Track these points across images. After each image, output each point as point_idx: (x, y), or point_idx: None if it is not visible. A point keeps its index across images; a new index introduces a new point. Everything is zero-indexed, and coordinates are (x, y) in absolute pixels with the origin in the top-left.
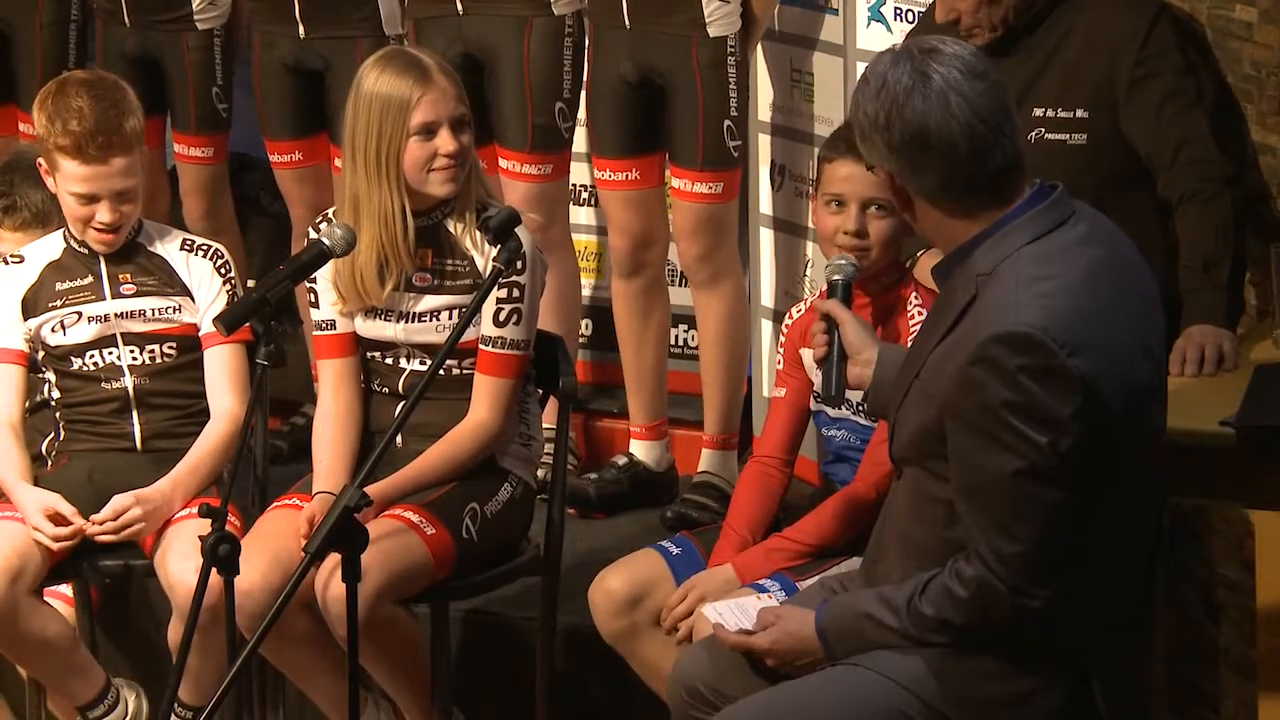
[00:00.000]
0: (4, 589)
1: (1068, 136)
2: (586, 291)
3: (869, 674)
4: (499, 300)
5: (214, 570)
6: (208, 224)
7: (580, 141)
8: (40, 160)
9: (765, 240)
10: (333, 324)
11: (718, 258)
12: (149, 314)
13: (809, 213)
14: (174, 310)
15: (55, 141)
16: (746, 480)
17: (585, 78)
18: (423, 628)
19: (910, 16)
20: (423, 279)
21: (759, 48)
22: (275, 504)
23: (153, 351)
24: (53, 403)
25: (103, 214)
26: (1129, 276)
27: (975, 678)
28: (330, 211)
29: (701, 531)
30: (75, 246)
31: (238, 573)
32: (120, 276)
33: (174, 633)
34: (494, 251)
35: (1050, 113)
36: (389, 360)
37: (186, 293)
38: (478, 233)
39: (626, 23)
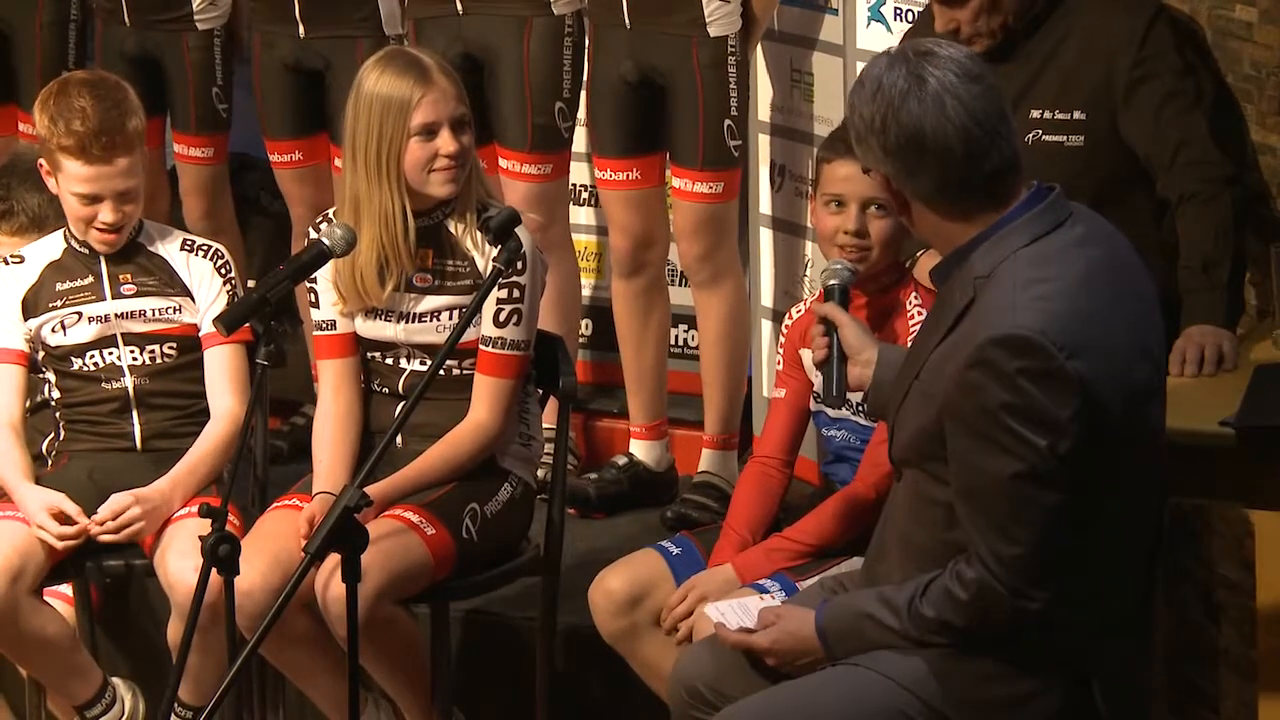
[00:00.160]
0: (4, 588)
1: (1065, 138)
2: (586, 291)
3: (869, 674)
4: (499, 301)
5: (214, 570)
6: (208, 224)
7: (580, 141)
8: (41, 161)
9: (765, 240)
10: (333, 324)
11: (718, 257)
12: (149, 314)
13: (808, 213)
14: (174, 310)
15: (58, 142)
16: (746, 480)
17: (585, 77)
18: (423, 628)
19: (910, 16)
20: (423, 279)
21: (759, 48)
22: (275, 504)
23: (153, 352)
24: (53, 403)
25: (105, 214)
26: (1127, 278)
27: (975, 679)
28: (330, 211)
29: (701, 531)
30: (76, 247)
31: (238, 573)
32: (121, 277)
33: (173, 632)
34: (494, 252)
35: (1048, 115)
36: (389, 360)
37: (187, 293)
38: (478, 233)
39: (627, 22)
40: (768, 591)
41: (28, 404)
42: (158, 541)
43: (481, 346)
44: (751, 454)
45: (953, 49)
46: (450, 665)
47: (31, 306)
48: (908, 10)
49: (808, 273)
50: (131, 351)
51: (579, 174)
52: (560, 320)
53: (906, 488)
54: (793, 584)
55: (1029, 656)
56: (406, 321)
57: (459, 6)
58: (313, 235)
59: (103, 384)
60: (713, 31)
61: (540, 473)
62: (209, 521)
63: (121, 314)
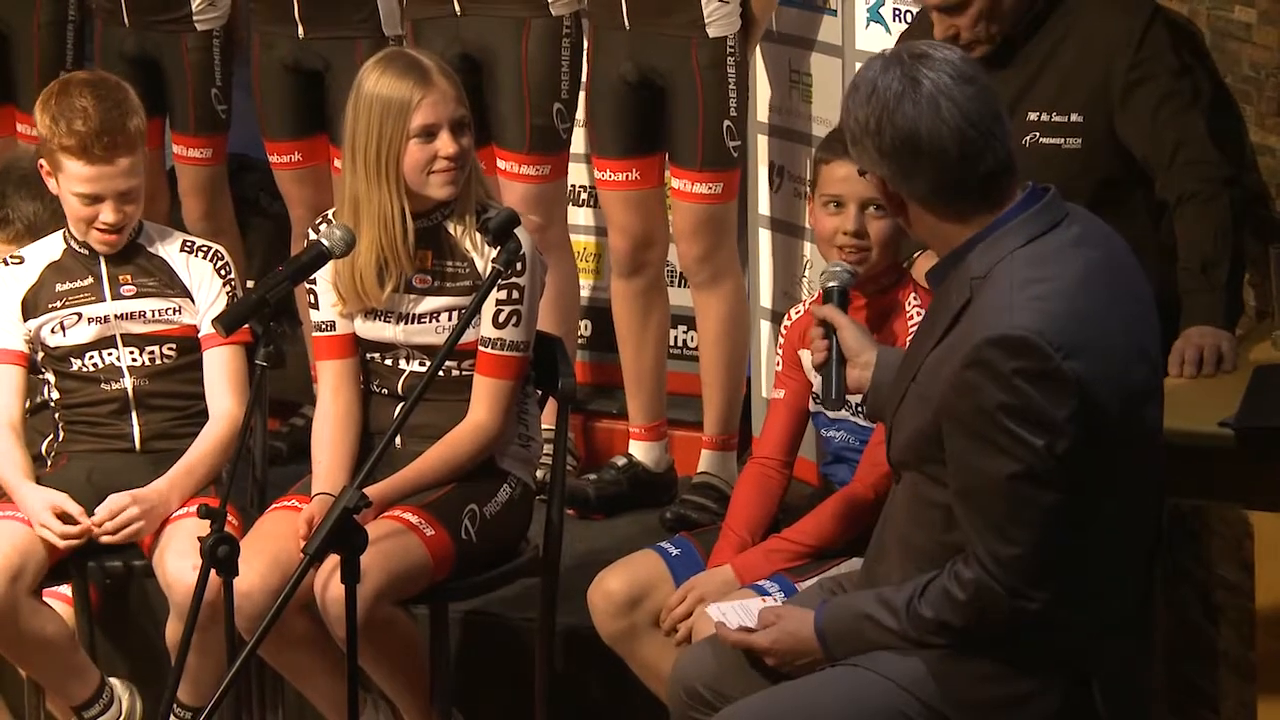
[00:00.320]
0: (4, 588)
1: (1063, 141)
2: (585, 292)
3: (868, 675)
4: (498, 302)
5: (213, 571)
6: (207, 225)
7: (579, 142)
8: (42, 161)
9: (764, 241)
10: (332, 325)
11: (717, 258)
12: (149, 315)
13: (807, 214)
14: (174, 311)
15: (60, 142)
16: (746, 481)
17: (584, 78)
18: (422, 629)
19: (908, 18)
20: (422, 280)
21: (758, 48)
22: (274, 505)
23: (152, 353)
24: (52, 404)
25: (106, 214)
26: (1124, 279)
27: (974, 679)
28: (330, 212)
29: (701, 532)
30: (75, 247)
31: (236, 574)
32: (120, 277)
33: (172, 632)
34: (493, 253)
35: (1045, 117)
36: (388, 361)
37: (186, 294)
38: (477, 234)
39: (626, 23)
40: (768, 593)
41: (27, 405)
42: (156, 542)
43: (481, 347)
44: (750, 455)
45: (947, 51)
46: (449, 666)
47: (31, 307)
48: (906, 11)
49: (806, 274)
50: (131, 352)
51: (578, 175)
52: (559, 321)
53: (905, 489)
54: (792, 585)
55: (1028, 657)
56: (406, 322)
57: (457, 7)
58: (312, 236)
59: (102, 385)
60: (712, 32)
61: (539, 473)
62: (207, 522)
63: (121, 315)
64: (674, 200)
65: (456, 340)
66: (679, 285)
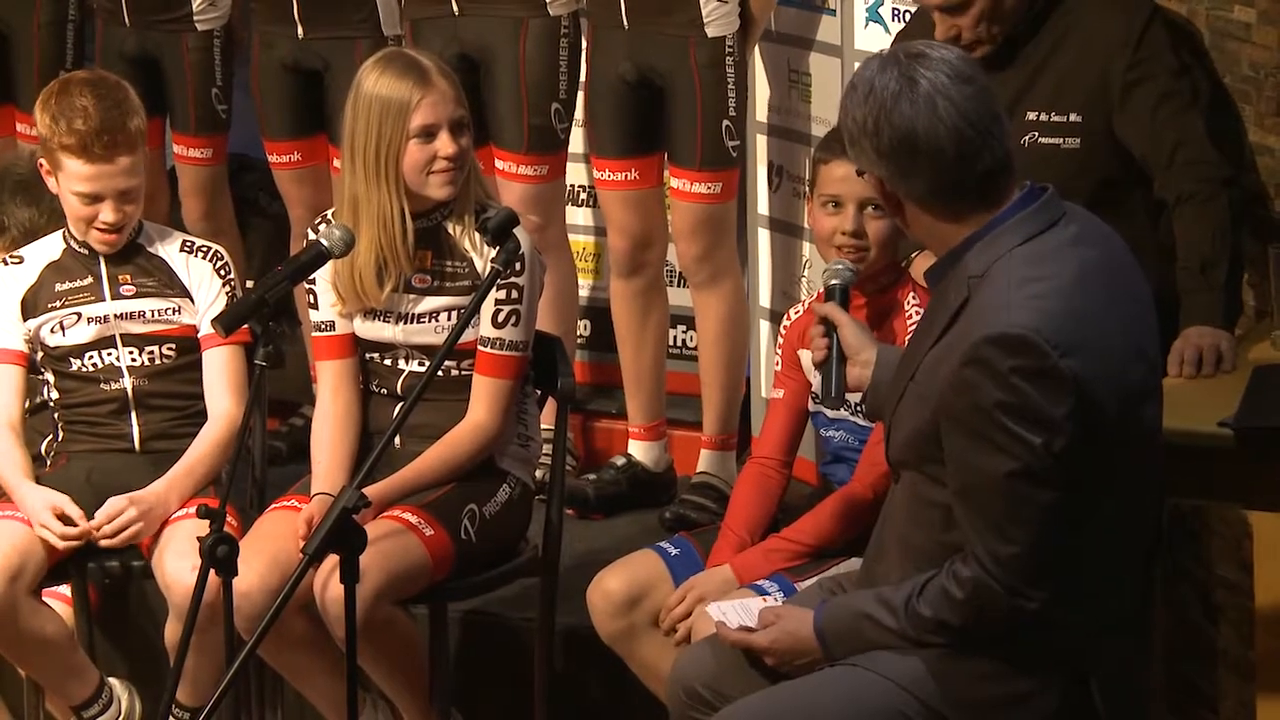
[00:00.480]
0: (4, 587)
1: (1061, 141)
2: (585, 292)
3: (868, 674)
4: (497, 301)
5: (212, 571)
6: (207, 225)
7: (578, 142)
8: (42, 160)
9: (763, 241)
10: (331, 325)
11: (716, 258)
12: (148, 315)
13: (806, 214)
14: (173, 311)
15: (60, 141)
16: (745, 481)
17: (583, 78)
18: (421, 629)
19: (907, 17)
20: (421, 280)
21: (757, 48)
22: (274, 505)
23: (152, 353)
24: (51, 404)
25: (106, 214)
26: (1123, 278)
27: (973, 678)
28: (329, 213)
29: (700, 532)
30: (75, 247)
31: (236, 574)
32: (120, 277)
33: (171, 632)
34: (492, 253)
35: (1044, 117)
36: (387, 361)
37: (186, 294)
38: (476, 234)
39: (625, 23)
40: (767, 593)
41: (26, 405)
42: (155, 542)
43: (480, 347)
44: (750, 454)
45: (944, 50)
46: (449, 666)
47: (31, 307)
48: (905, 11)
49: (805, 273)
50: (130, 352)
51: (577, 174)
52: (558, 321)
53: (904, 489)
54: (791, 585)
55: (1026, 656)
56: (405, 322)
57: (455, 7)
58: (311, 236)
59: (101, 385)
60: (710, 32)
61: (538, 473)
62: (207, 522)
63: (121, 315)
64: (673, 200)
65: (456, 340)
66: (678, 285)
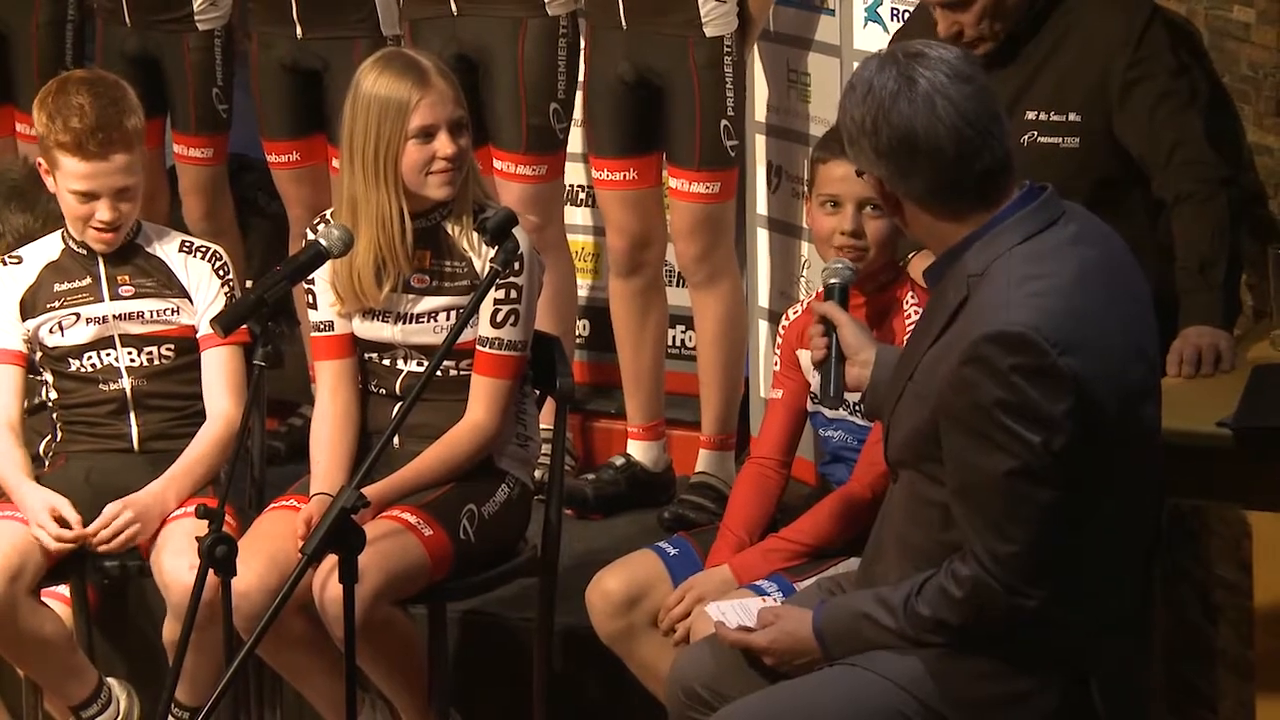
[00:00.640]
0: (3, 587)
1: (1060, 140)
2: (584, 292)
3: (866, 674)
4: (496, 301)
5: (210, 571)
6: (207, 225)
7: (577, 142)
8: (39, 160)
9: (762, 241)
10: (330, 325)
11: (715, 258)
12: (147, 315)
13: (805, 214)
14: (172, 312)
15: (56, 139)
16: (744, 481)
17: (582, 78)
18: (420, 629)
19: (906, 17)
20: (420, 280)
21: (755, 48)
22: (272, 505)
23: (150, 353)
24: (50, 404)
25: (103, 212)
26: (1122, 278)
27: (972, 678)
28: (328, 212)
29: (699, 532)
30: (74, 248)
31: (235, 574)
32: (119, 278)
33: (169, 631)
34: (491, 253)
35: (1043, 116)
36: (386, 361)
37: (185, 294)
38: (475, 234)
39: (623, 23)
40: (766, 593)
41: (25, 405)
42: (153, 542)
43: (479, 347)
44: (749, 455)
45: (943, 50)
46: (447, 666)
47: (29, 307)
48: (904, 11)
49: (804, 273)
50: (129, 353)
51: (576, 174)
52: (557, 321)
53: (902, 488)
54: (790, 584)
55: (1025, 655)
56: (404, 322)
57: (454, 7)
58: (310, 236)
59: (100, 385)
60: (709, 32)
61: (537, 473)
62: (204, 521)
63: (119, 315)
64: (672, 200)
65: (454, 340)
66: (677, 285)
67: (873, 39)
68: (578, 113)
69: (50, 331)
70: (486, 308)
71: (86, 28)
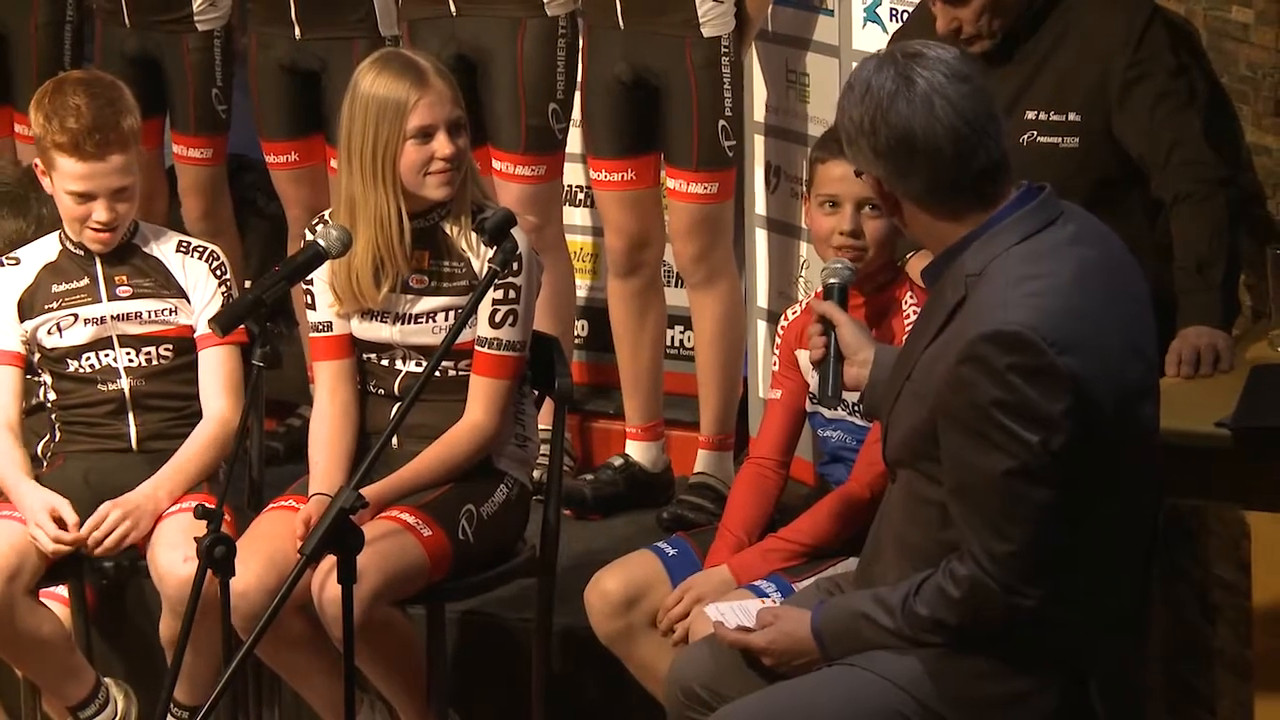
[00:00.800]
0: (1, 587)
1: (1060, 140)
2: (582, 292)
3: (865, 674)
4: (495, 302)
5: (209, 571)
6: (206, 225)
7: (575, 142)
8: (36, 161)
9: (760, 241)
10: (329, 325)
11: (713, 258)
12: (145, 316)
13: (803, 214)
14: (170, 312)
15: (52, 139)
16: (742, 481)
17: (580, 78)
18: (418, 629)
19: (905, 17)
20: (419, 281)
21: (754, 48)
22: (271, 505)
23: (149, 353)
24: (49, 404)
25: (99, 212)
26: (1121, 278)
27: (970, 677)
28: (326, 213)
29: (697, 532)
30: (71, 249)
31: (233, 574)
32: (116, 278)
33: (165, 628)
34: (490, 253)
35: (1043, 116)
36: (385, 362)
37: (182, 294)
38: (473, 234)
39: (620, 23)
40: (765, 594)
41: (23, 405)
42: (149, 539)
43: (477, 347)
44: (747, 455)
45: (941, 50)
46: (446, 666)
47: (27, 308)
48: (903, 11)
49: (803, 274)
50: (127, 353)
51: (574, 175)
52: (555, 321)
53: (901, 488)
54: (789, 585)
55: (1024, 655)
56: (402, 323)
57: (453, 8)
58: (308, 237)
59: (99, 385)
60: (706, 32)
61: (536, 474)
62: (199, 518)
63: (117, 316)
64: (670, 200)
65: (453, 340)
66: (676, 285)
67: (872, 39)
68: (576, 113)
69: (48, 332)
70: (485, 308)
71: (85, 28)
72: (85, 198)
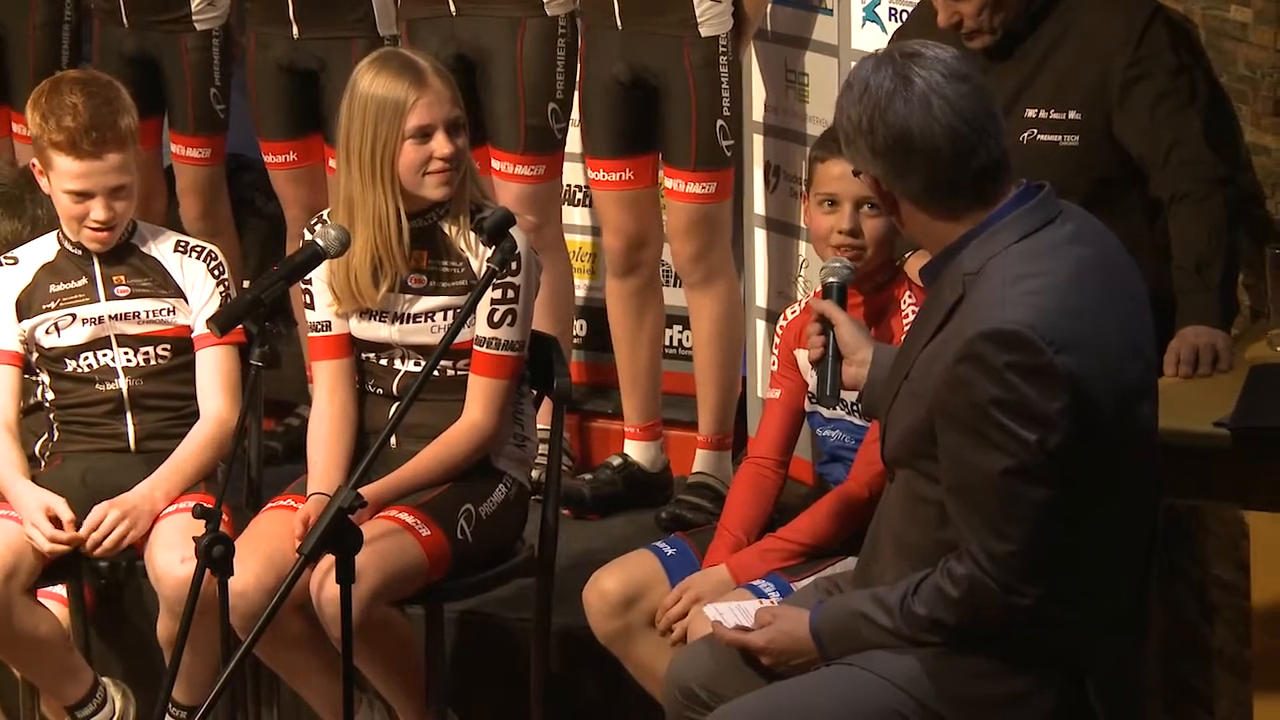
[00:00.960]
0: None
1: (1060, 138)
2: (581, 292)
3: (863, 673)
4: (493, 301)
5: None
6: (205, 225)
7: (575, 142)
8: (34, 161)
9: (759, 241)
10: (328, 325)
11: (711, 258)
12: (143, 316)
13: (803, 213)
14: (168, 312)
15: (49, 138)
16: (741, 481)
17: (578, 78)
18: (417, 629)
19: (904, 17)
20: (417, 280)
21: (753, 48)
22: (270, 505)
23: (147, 353)
24: (47, 404)
25: (97, 211)
26: (1119, 277)
27: (969, 677)
28: (325, 213)
29: (696, 532)
30: (69, 248)
31: (232, 573)
32: (114, 278)
33: (163, 628)
34: (488, 252)
35: (1043, 114)
36: (383, 361)
37: (180, 294)
38: (472, 234)
39: (618, 23)
40: (764, 594)
41: (22, 405)
42: (147, 539)
43: (476, 347)
44: (746, 454)
45: (939, 50)
46: (445, 666)
47: (25, 308)
48: (902, 10)
49: (802, 273)
50: (125, 353)
51: (573, 174)
52: (554, 321)
53: (899, 487)
54: (787, 584)
55: (1022, 654)
56: (401, 322)
57: (452, 7)
58: (307, 236)
59: (97, 385)
60: (704, 31)
61: (534, 474)
62: (197, 518)
63: (115, 315)
64: (668, 200)
65: (452, 340)
66: (674, 285)
67: (871, 38)
68: (575, 113)
69: (46, 332)
70: (484, 308)
71: (83, 28)
72: (83, 197)
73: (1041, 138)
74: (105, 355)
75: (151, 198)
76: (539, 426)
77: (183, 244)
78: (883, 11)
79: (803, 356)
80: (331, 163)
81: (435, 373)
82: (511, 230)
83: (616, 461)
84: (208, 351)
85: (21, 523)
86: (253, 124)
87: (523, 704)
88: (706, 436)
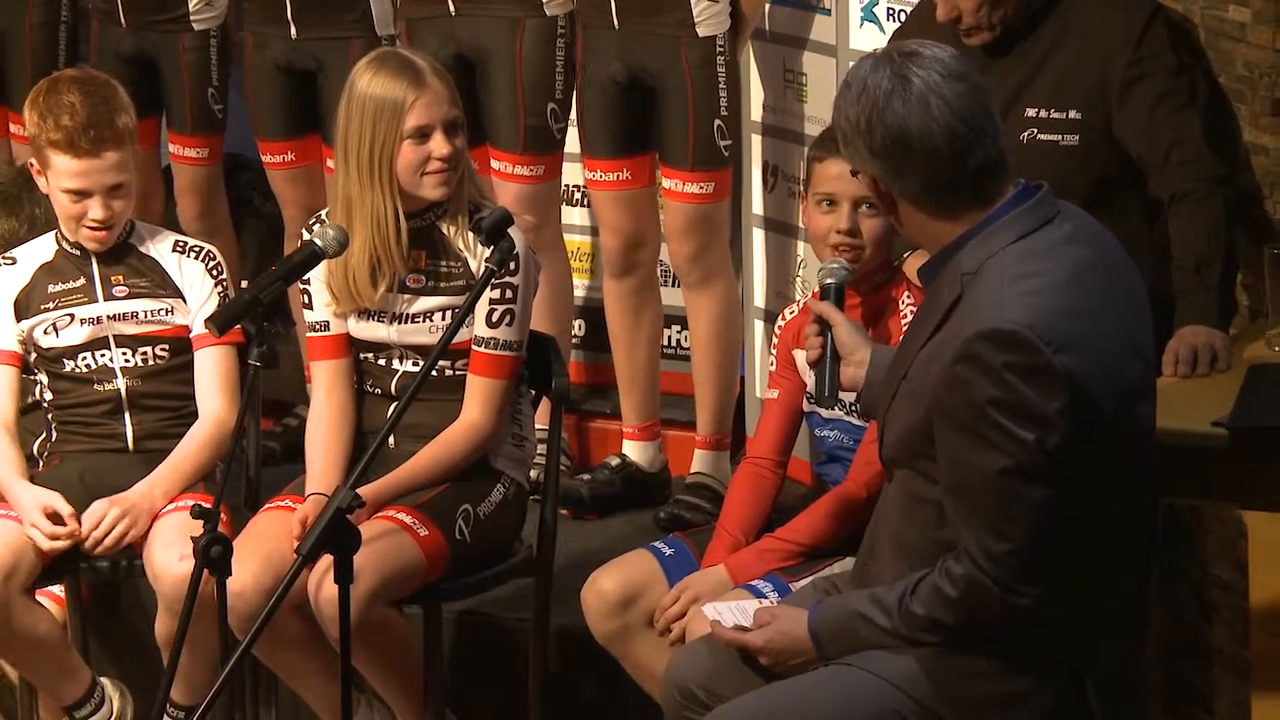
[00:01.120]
0: None
1: (1060, 138)
2: (579, 292)
3: (862, 674)
4: (492, 301)
5: (205, 571)
6: (203, 225)
7: (574, 142)
8: (31, 160)
9: (758, 241)
10: (326, 325)
11: (709, 258)
12: (141, 316)
13: (801, 213)
14: (166, 312)
15: (47, 137)
16: (739, 481)
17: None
18: (415, 629)
19: (902, 16)
20: (416, 280)
21: (751, 48)
22: (268, 505)
23: (145, 353)
24: (45, 404)
25: (95, 210)
26: (1118, 276)
27: (967, 677)
28: (323, 213)
29: (694, 532)
30: (67, 248)
31: (230, 574)
32: (112, 278)
33: (161, 628)
34: (487, 252)
35: (1043, 113)
36: (382, 361)
37: (178, 294)
38: (470, 234)
39: (615, 23)
40: (762, 594)
41: (19, 405)
42: (145, 539)
43: (474, 347)
44: (744, 455)
45: (937, 49)
46: (443, 666)
47: (24, 308)
48: (900, 10)
49: (800, 273)
50: (124, 353)
51: (573, 174)
52: (552, 321)
53: (897, 487)
54: (786, 584)
55: (1021, 654)
56: (399, 322)
57: (451, 7)
58: (305, 236)
59: (95, 385)
60: (701, 31)
61: (533, 474)
62: (195, 517)
63: (113, 316)
64: (665, 200)
65: (450, 340)
66: (672, 285)
67: (869, 38)
68: (573, 113)
69: (45, 332)
70: (482, 307)
71: (80, 28)
72: (80, 195)
73: (1041, 137)
74: (103, 355)
75: (149, 198)
76: (537, 426)
77: (181, 244)
78: (880, 11)
79: (801, 357)
80: (329, 163)
81: (433, 373)
82: (510, 230)
83: (615, 462)
84: (206, 351)
85: (21, 523)
86: (250, 124)
87: (521, 704)
88: (705, 437)
